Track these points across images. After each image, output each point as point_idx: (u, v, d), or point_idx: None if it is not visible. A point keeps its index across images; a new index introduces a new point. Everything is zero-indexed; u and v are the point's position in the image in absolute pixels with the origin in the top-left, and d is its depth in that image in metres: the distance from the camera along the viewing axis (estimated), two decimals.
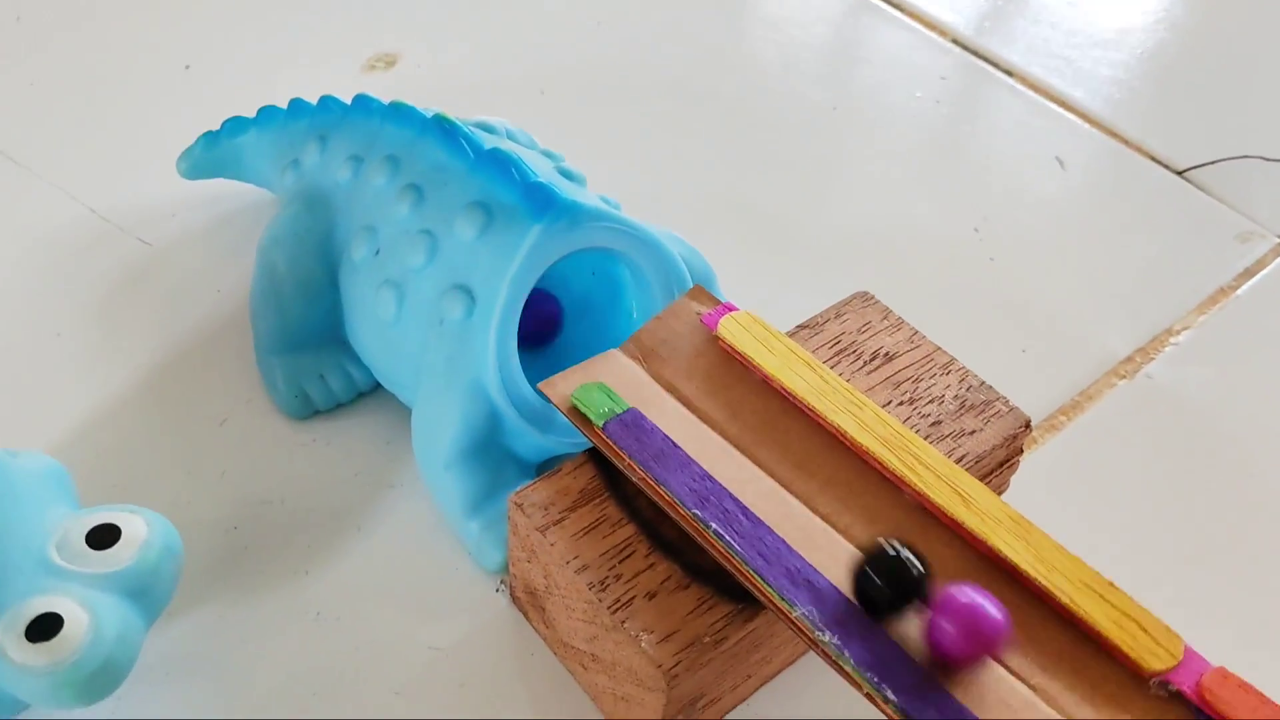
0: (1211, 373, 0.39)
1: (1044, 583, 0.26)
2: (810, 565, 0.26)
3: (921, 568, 0.25)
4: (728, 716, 0.30)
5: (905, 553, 0.25)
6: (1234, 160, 0.47)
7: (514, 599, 0.31)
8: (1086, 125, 0.49)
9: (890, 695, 0.24)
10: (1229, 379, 0.39)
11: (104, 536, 0.27)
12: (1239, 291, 0.42)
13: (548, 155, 0.37)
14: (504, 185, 0.31)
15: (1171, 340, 0.40)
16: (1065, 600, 0.25)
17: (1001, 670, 0.24)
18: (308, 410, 0.35)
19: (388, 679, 0.29)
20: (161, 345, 0.37)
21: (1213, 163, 0.47)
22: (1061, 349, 0.39)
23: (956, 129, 0.49)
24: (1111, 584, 0.26)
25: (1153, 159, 0.47)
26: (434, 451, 0.31)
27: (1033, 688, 0.24)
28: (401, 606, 0.31)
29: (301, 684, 0.29)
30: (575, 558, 0.27)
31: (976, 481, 0.28)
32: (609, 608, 0.27)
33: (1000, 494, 0.33)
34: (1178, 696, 0.24)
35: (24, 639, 0.25)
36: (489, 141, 0.33)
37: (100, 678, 0.25)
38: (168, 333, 0.37)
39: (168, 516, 0.28)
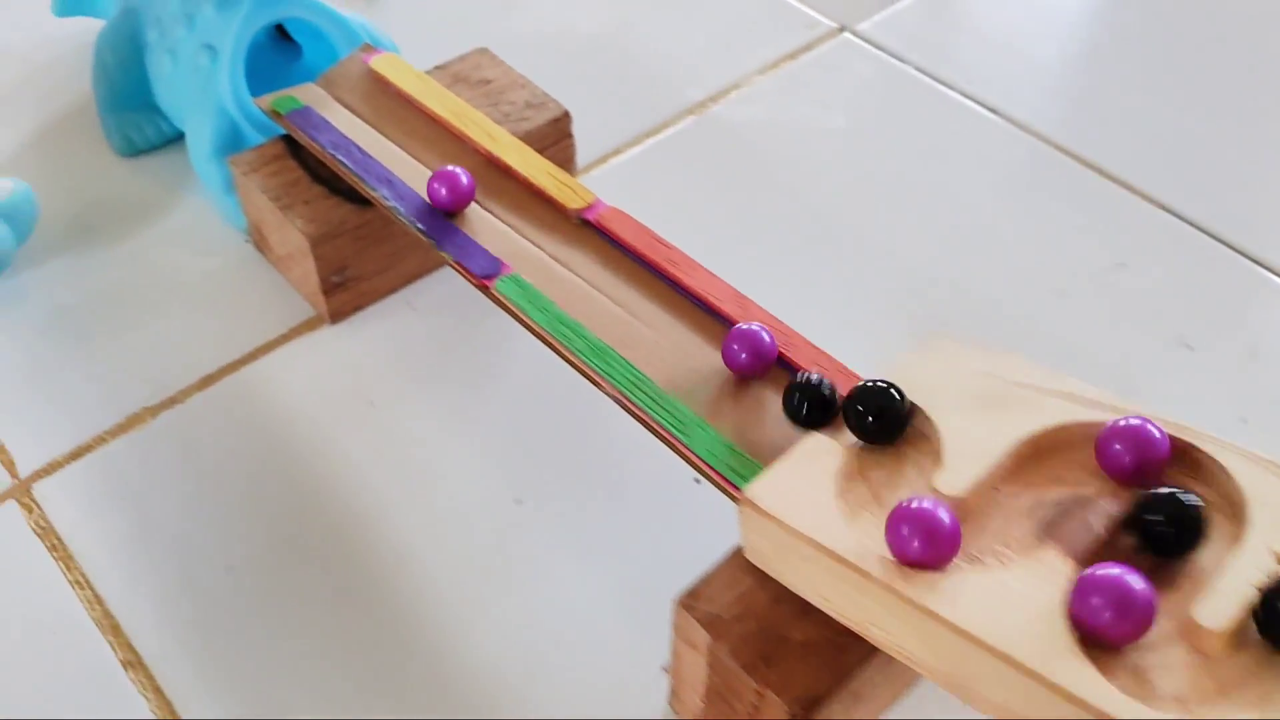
0: (760, 113, 0.57)
1: (511, 163, 0.44)
2: (401, 180, 0.45)
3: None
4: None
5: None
6: None
7: (255, 243, 0.50)
8: None
9: (419, 225, 0.42)
10: (774, 121, 0.57)
11: None
12: (796, 61, 0.60)
13: None
14: None
15: (735, 91, 0.58)
16: (519, 170, 0.44)
17: (483, 211, 0.43)
18: (133, 149, 0.54)
19: (170, 294, 0.48)
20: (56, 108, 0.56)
21: None
22: (650, 90, 0.58)
23: None
24: (550, 163, 0.44)
25: None
26: (199, 151, 0.50)
27: (507, 225, 0.43)
28: (179, 245, 0.50)
29: (100, 295, 0.48)
30: (271, 190, 0.46)
31: (503, 130, 0.46)
32: (281, 209, 0.45)
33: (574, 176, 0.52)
34: (587, 224, 0.43)
35: None
36: None
37: None
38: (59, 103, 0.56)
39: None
